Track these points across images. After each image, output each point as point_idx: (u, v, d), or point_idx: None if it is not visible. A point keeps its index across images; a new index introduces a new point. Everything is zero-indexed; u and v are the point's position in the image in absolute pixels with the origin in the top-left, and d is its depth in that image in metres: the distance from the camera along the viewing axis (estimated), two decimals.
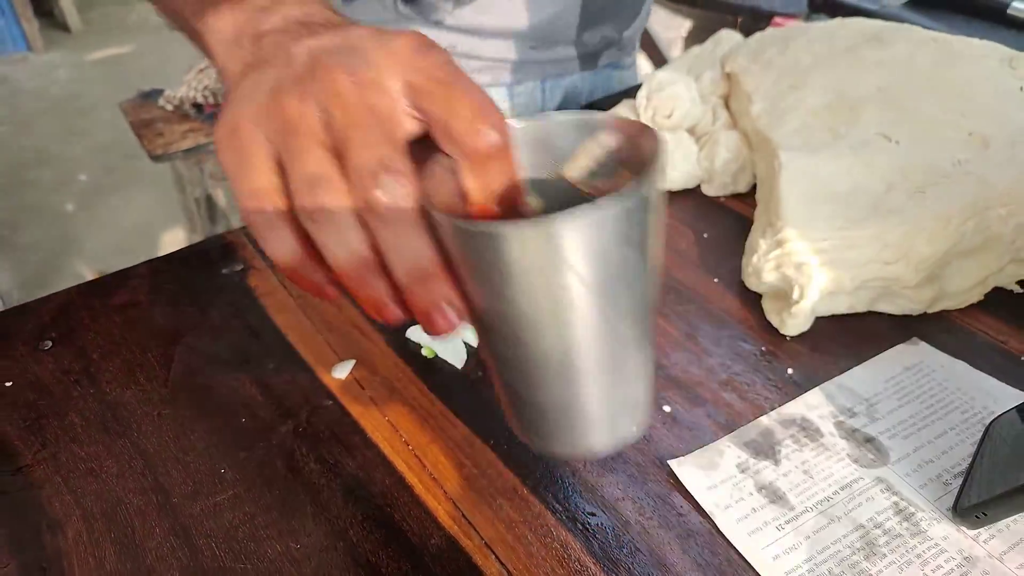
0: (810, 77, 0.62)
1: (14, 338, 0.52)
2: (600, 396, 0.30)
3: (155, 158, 1.75)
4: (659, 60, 2.03)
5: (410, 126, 0.28)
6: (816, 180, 0.53)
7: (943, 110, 0.57)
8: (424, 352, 0.50)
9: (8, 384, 0.48)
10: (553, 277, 0.26)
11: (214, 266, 0.58)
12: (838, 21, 0.69)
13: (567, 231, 0.25)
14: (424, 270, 0.27)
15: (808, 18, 0.89)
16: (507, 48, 0.73)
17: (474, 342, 0.50)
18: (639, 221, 0.26)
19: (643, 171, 0.28)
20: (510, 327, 0.28)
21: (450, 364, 0.49)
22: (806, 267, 0.49)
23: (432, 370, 0.49)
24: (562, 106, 0.82)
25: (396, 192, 0.27)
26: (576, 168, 0.31)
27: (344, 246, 0.28)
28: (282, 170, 0.29)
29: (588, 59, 0.79)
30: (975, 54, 0.62)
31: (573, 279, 0.26)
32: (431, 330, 0.28)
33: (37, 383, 0.48)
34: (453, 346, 0.50)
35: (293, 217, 0.29)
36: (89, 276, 2.04)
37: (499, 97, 0.77)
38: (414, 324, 0.51)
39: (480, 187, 0.28)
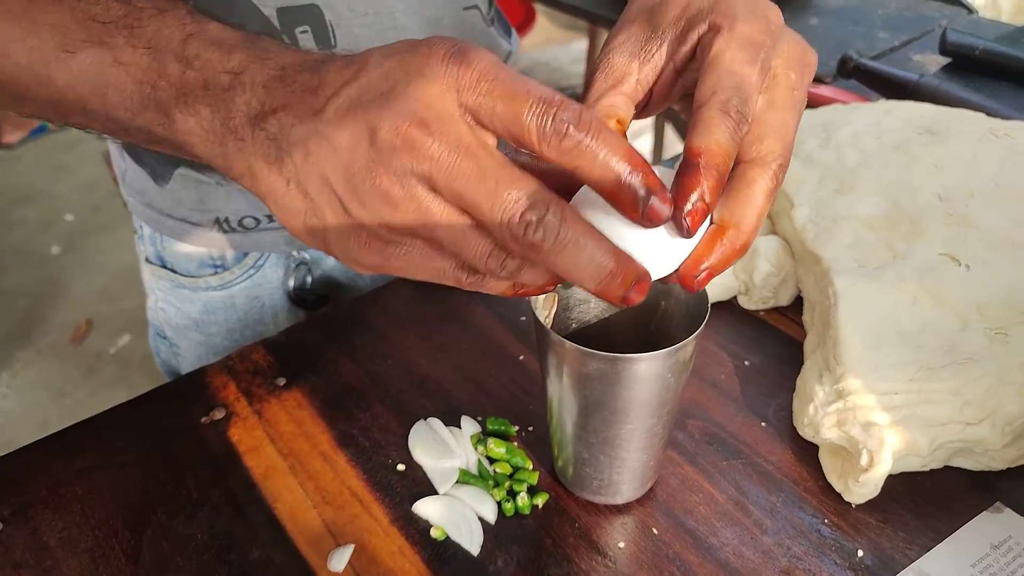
0: (858, 179, 0.56)
1: None
2: (634, 462, 0.42)
3: None
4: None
5: (491, 140, 0.29)
6: (879, 315, 0.46)
7: (1014, 223, 0.51)
8: (433, 533, 0.43)
9: None
10: (645, 385, 0.38)
11: (192, 411, 0.51)
12: (882, 107, 0.63)
13: (661, 359, 0.37)
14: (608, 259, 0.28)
15: (835, 80, 0.83)
16: None
17: (492, 519, 0.43)
18: (688, 358, 0.39)
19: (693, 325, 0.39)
20: (604, 414, 0.39)
21: (464, 549, 0.42)
22: (875, 428, 0.43)
23: (443, 558, 0.42)
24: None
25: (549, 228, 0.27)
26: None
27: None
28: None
29: None
30: None
31: (660, 386, 0.38)
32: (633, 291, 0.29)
33: None
34: (468, 527, 0.43)
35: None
36: (74, 323, 1.97)
37: None
38: (422, 497, 0.44)
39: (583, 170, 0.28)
